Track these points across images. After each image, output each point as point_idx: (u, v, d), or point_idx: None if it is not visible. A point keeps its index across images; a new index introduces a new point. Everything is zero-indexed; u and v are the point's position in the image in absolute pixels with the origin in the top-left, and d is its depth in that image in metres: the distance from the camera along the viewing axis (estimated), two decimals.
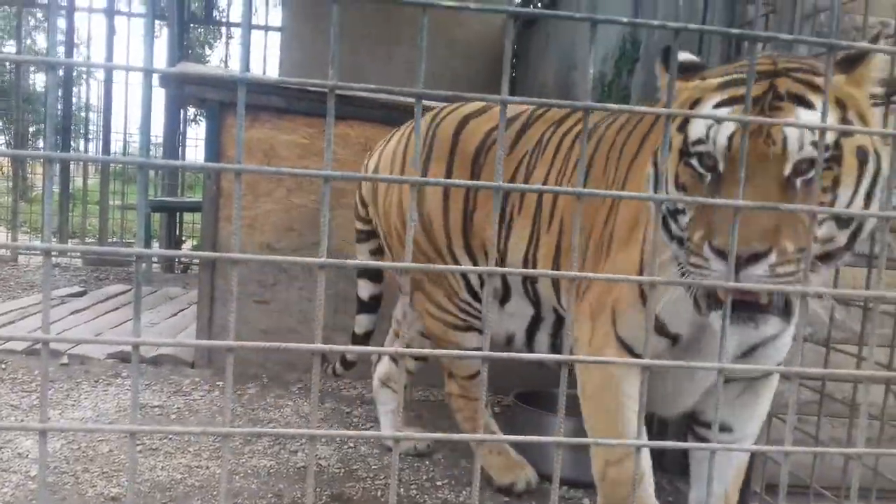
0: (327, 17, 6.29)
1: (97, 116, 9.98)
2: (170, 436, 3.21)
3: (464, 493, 2.97)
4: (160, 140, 9.51)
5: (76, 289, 6.48)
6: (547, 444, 0.96)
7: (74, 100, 9.63)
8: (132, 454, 0.99)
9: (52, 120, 0.82)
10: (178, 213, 8.61)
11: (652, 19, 2.70)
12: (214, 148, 4.21)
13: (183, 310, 5.70)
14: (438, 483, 3.04)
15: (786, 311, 1.59)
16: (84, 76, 10.75)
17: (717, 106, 1.68)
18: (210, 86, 4.11)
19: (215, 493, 2.77)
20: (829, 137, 1.55)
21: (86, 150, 10.00)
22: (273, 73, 9.28)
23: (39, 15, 13.62)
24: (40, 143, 14.14)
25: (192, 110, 11.24)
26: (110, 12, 8.73)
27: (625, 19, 0.88)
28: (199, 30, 14.29)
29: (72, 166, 9.12)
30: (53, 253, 0.93)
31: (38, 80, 14.45)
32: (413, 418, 3.73)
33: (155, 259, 8.17)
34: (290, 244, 4.25)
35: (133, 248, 1.06)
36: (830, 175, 1.58)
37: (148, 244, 8.59)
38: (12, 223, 9.45)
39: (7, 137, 15.71)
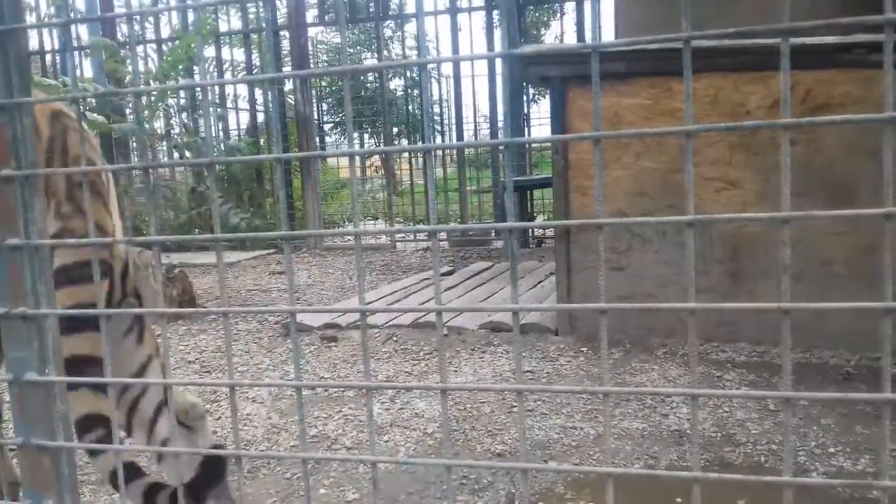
0: None
1: (448, 110, 10.86)
2: (544, 398, 3.42)
3: (862, 461, 2.72)
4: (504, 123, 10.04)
5: (446, 268, 7.15)
6: None
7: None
8: (521, 410, 1.08)
9: (426, 116, 0.91)
10: (528, 191, 9.03)
11: None
12: (560, 123, 4.35)
13: (541, 281, 5.99)
14: (831, 450, 2.82)
15: None
16: (434, 74, 11.76)
17: None
18: (552, 63, 4.25)
19: (591, 453, 2.89)
20: None
21: (442, 142, 10.93)
22: (608, 38, 9.23)
23: (393, 25, 15.17)
24: (403, 142, 15.77)
25: (530, 91, 11.67)
26: (453, 11, 9.41)
27: None
28: (535, 13, 14.76)
29: (433, 157, 10.04)
30: (440, 235, 1.05)
31: (394, 85, 16.11)
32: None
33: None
34: (642, 209, 4.24)
35: (506, 223, 1.14)
36: None
37: (505, 221, 9.14)
38: (388, 214, 10.72)
39: (376, 140, 17.70)
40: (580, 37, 9.09)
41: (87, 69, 9.84)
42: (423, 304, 5.49)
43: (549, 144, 6.67)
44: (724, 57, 3.94)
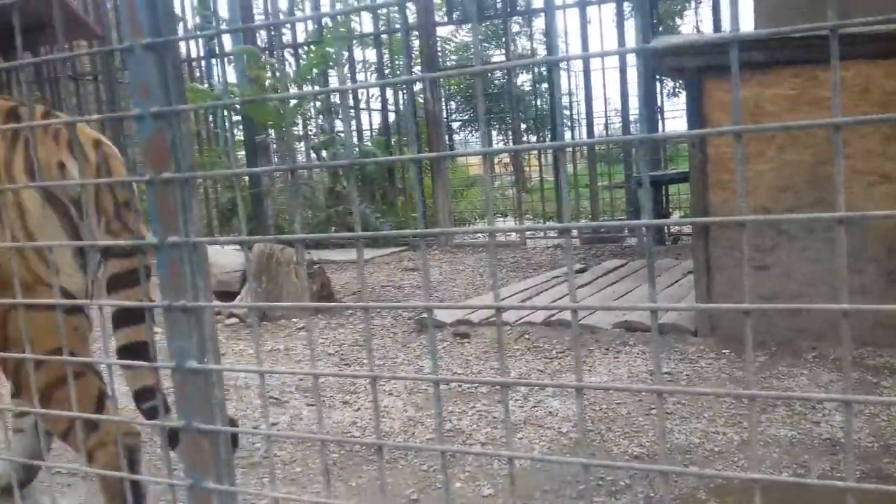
0: None
1: (577, 105, 10.72)
2: (684, 401, 3.31)
3: None
4: (637, 117, 9.80)
5: (578, 266, 7.06)
6: None
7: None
8: (660, 412, 1.05)
9: (557, 112, 0.91)
10: (663, 186, 8.78)
11: None
12: (697, 115, 4.20)
13: (678, 280, 5.80)
14: None
15: None
16: (563, 67, 11.63)
17: None
18: (687, 54, 4.11)
19: (735, 459, 2.77)
20: None
21: (572, 137, 10.81)
22: (745, 27, 8.84)
23: (520, 20, 15.11)
24: (532, 139, 15.68)
25: (669, 84, 11.34)
26: (582, 4, 9.28)
27: None
28: (669, 2, 14.33)
29: (562, 153, 9.92)
30: (572, 232, 1.04)
31: (521, 80, 16.05)
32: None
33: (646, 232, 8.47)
34: (787, 204, 4.03)
35: (642, 220, 1.12)
36: None
37: (637, 218, 8.94)
38: (517, 211, 10.72)
39: (504, 137, 17.69)
40: (716, 26, 8.75)
41: (230, 75, 10.39)
42: (554, 301, 5.45)
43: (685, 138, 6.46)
44: (875, 43, 3.68)
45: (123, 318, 2.21)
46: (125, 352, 2.23)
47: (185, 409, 1.28)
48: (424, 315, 5.25)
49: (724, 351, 4.06)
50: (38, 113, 2.14)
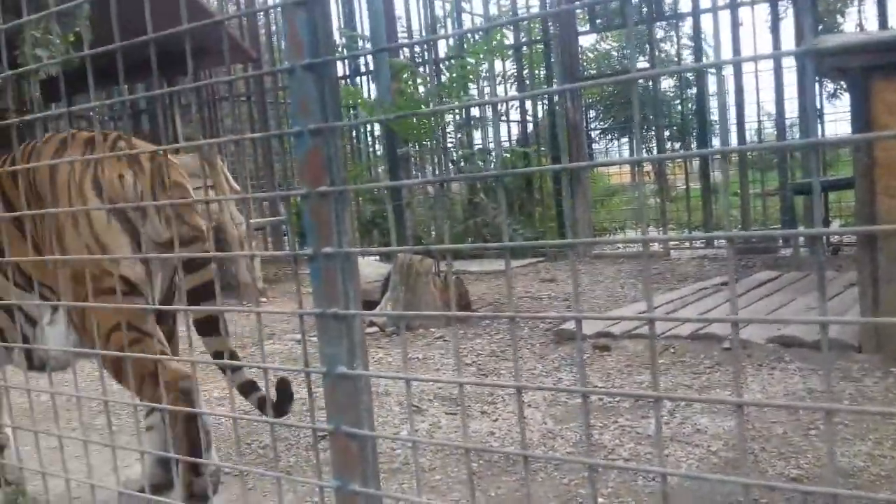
0: None
1: (728, 108, 10.25)
2: (847, 422, 3.07)
3: None
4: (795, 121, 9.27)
5: (725, 278, 6.75)
6: None
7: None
8: (830, 431, 0.98)
9: (720, 117, 0.86)
10: (822, 194, 8.28)
11: None
12: (862, 118, 3.92)
13: (839, 293, 5.42)
14: None
15: None
16: (713, 70, 11.17)
17: None
18: (851, 53, 3.85)
19: None
20: None
21: (725, 143, 10.36)
22: None
23: (665, 25, 14.68)
24: (675, 146, 15.18)
25: (829, 87, 10.66)
26: (734, 5, 8.90)
27: None
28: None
29: (709, 160, 9.53)
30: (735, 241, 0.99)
31: (665, 86, 15.57)
32: None
33: (801, 242, 8.01)
34: None
35: (806, 229, 1.05)
36: None
37: (793, 227, 8.45)
38: (661, 221, 10.40)
39: (646, 145, 17.17)
40: (882, 23, 8.16)
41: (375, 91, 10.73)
42: (702, 314, 5.23)
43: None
44: None
45: (200, 297, 2.69)
46: (203, 322, 2.72)
47: (333, 413, 1.31)
48: (563, 326, 5.17)
49: (891, 369, 3.74)
50: (110, 138, 2.68)
